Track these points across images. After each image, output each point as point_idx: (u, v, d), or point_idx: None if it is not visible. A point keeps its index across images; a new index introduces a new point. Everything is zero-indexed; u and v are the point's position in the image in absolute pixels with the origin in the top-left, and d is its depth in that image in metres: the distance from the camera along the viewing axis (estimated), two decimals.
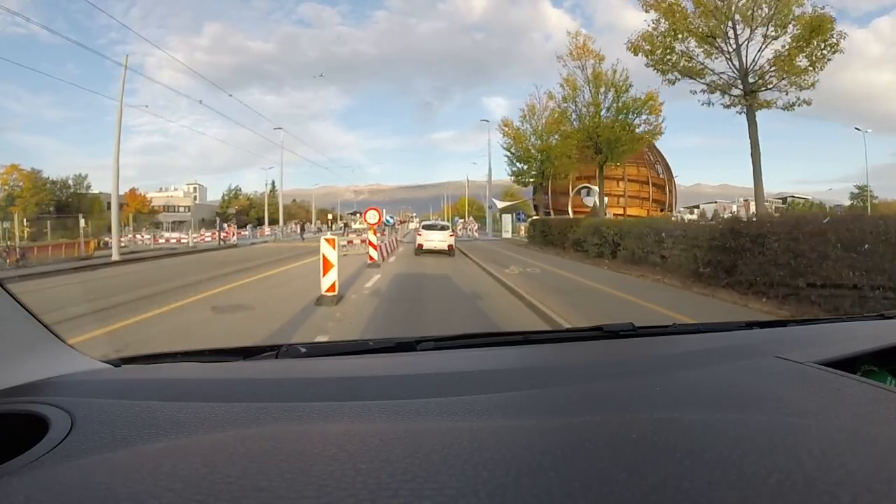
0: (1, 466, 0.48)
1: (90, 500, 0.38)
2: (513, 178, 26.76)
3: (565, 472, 0.40)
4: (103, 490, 0.39)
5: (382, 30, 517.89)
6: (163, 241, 25.95)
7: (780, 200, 74.81)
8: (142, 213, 49.15)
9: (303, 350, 1.06)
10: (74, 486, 0.41)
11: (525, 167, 25.20)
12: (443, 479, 0.39)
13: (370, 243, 12.15)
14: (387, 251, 15.04)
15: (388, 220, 24.01)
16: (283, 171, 48.39)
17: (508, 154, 25.59)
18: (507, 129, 25.51)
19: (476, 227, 35.85)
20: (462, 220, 47.48)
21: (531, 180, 25.97)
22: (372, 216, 12.71)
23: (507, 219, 34.48)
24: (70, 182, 44.08)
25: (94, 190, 45.94)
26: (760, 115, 11.64)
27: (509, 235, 32.66)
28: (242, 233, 33.47)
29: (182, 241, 25.26)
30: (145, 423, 0.57)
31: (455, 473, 0.40)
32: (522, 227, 33.25)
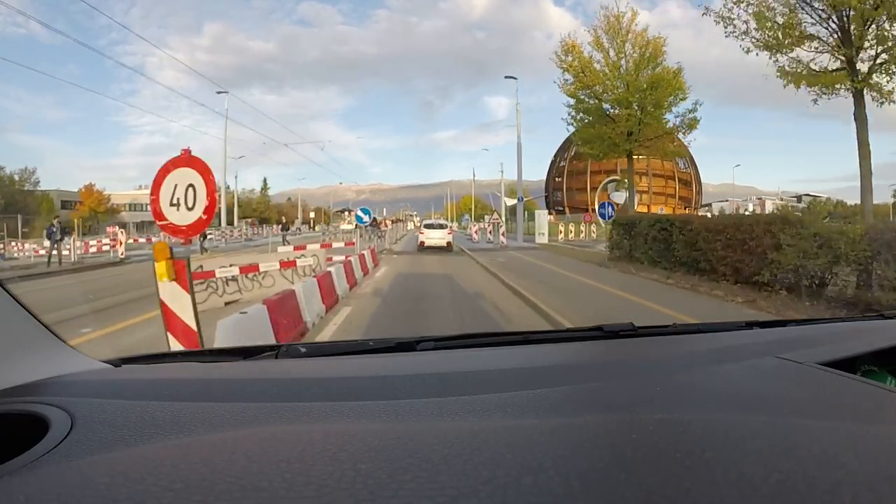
0: (1, 466, 0.48)
1: (90, 500, 0.38)
2: (580, 144, 17.13)
3: (566, 472, 0.40)
4: (103, 490, 0.39)
5: (383, 29, 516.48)
6: (44, 251, 15.83)
7: (795, 199, 73.47)
8: (97, 212, 42.28)
9: (303, 350, 1.06)
10: (74, 486, 0.41)
11: (594, 123, 14.88)
12: (443, 479, 0.39)
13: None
14: (340, 286, 7.57)
15: (360, 218, 15.39)
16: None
17: (572, 103, 15.23)
18: (569, 58, 14.50)
19: (502, 228, 23.04)
20: (473, 222, 36.90)
21: (616, 144, 14.90)
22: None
23: (541, 216, 25.53)
24: (16, 177, 38.71)
25: (45, 186, 41.00)
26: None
27: (545, 240, 23.70)
28: (152, 239, 19.87)
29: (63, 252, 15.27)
30: (145, 423, 0.57)
31: (455, 473, 0.40)
32: (561, 229, 26.51)
